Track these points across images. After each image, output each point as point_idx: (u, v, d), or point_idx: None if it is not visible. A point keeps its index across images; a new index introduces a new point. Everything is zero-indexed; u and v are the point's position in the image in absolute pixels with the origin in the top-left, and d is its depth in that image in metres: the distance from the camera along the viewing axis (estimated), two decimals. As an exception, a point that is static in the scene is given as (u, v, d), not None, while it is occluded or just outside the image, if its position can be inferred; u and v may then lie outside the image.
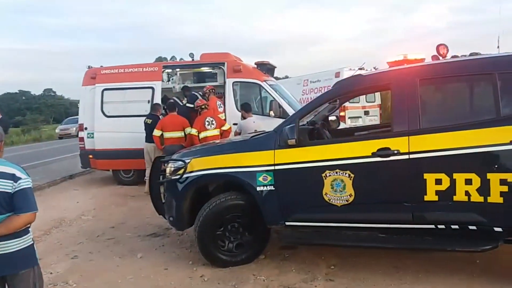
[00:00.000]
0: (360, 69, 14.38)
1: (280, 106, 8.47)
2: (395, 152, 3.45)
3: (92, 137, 9.33)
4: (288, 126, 3.74)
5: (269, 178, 3.85)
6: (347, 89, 4.07)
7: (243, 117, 7.71)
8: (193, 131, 7.54)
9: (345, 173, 3.59)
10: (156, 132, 7.91)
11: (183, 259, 4.50)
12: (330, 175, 3.64)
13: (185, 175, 4.17)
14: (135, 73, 9.21)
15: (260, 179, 3.86)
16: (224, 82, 9.02)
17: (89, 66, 9.71)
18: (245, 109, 7.67)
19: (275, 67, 10.21)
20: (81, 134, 9.60)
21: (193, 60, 9.37)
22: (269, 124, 8.02)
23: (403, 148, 3.44)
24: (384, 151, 3.49)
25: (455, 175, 3.30)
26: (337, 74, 13.85)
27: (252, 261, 4.18)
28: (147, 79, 9.06)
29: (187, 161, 4.23)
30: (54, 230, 6.06)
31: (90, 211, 7.17)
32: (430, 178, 3.37)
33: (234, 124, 8.24)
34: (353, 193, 3.59)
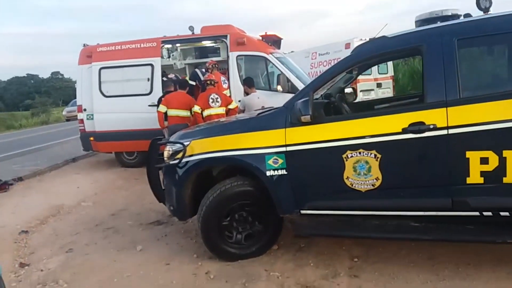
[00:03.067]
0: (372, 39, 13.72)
1: (288, 80, 7.85)
2: (431, 127, 2.89)
3: (92, 119, 8.88)
4: (301, 100, 3.19)
5: (280, 161, 3.32)
6: (369, 54, 3.44)
7: (246, 93, 7.15)
8: (196, 108, 7.02)
9: (370, 153, 3.05)
10: (161, 108, 7.42)
11: (187, 251, 4.05)
12: (352, 156, 3.10)
13: (184, 159, 3.67)
14: (133, 50, 8.64)
15: (270, 162, 3.34)
16: (228, 57, 8.41)
17: (84, 44, 9.14)
18: (248, 84, 7.09)
19: (282, 39, 9.52)
20: (80, 115, 9.15)
21: (193, 33, 8.74)
22: (277, 100, 7.38)
23: (440, 122, 2.88)
24: (417, 126, 2.93)
25: (505, 153, 2.75)
26: (347, 45, 13.13)
27: (264, 254, 3.71)
28: (146, 56, 8.49)
29: (186, 143, 3.71)
30: (51, 219, 5.67)
31: (91, 196, 6.77)
32: (473, 156, 2.82)
33: (239, 101, 7.69)
34: (380, 176, 3.06)
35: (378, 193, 3.10)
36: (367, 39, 13.54)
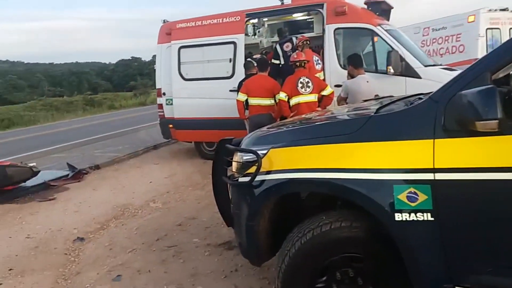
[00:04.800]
0: (503, 10, 11.01)
1: (402, 59, 6.14)
2: None
3: (171, 104, 8.12)
4: (477, 90, 1.69)
5: (423, 196, 1.88)
6: None
7: (351, 76, 5.62)
8: (282, 95, 5.72)
9: None
10: (240, 97, 6.27)
11: (262, 304, 2.84)
12: None
13: (259, 177, 2.41)
14: (214, 26, 7.58)
15: (402, 197, 1.92)
16: (323, 31, 6.92)
17: (164, 21, 8.32)
18: (355, 63, 5.54)
19: (392, 8, 7.69)
20: (159, 100, 8.46)
21: (282, 4, 7.37)
22: (387, 85, 5.86)
23: None
24: None
25: None
26: (472, 18, 10.67)
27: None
28: (228, 32, 7.38)
29: (261, 152, 2.44)
30: (112, 223, 4.90)
31: (162, 195, 5.94)
32: None
33: (337, 86, 6.20)
34: None
35: None
36: (498, 10, 10.91)
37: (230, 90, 7.19)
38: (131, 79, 69.16)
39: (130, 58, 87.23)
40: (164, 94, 8.25)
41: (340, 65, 6.74)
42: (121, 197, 5.89)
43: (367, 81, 5.14)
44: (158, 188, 6.31)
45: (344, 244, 2.19)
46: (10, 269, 3.72)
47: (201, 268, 3.49)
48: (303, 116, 3.64)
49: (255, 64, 6.64)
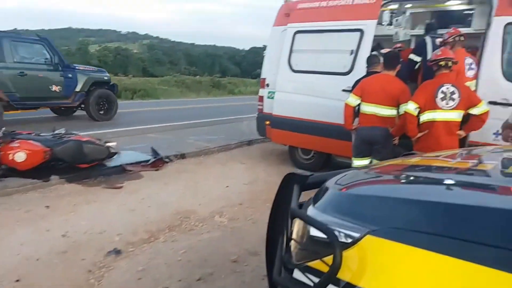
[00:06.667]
0: None
1: None
2: None
3: (272, 98, 6.99)
4: None
5: None
6: None
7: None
8: (410, 107, 4.08)
9: None
10: (351, 100, 4.76)
11: None
12: None
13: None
14: (341, 8, 6.12)
15: None
16: (488, 25, 4.97)
17: (286, 0, 7.11)
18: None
19: None
20: (261, 92, 7.41)
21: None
22: None
23: None
24: None
25: None
26: None
27: None
28: (356, 17, 5.86)
29: (347, 233, 1.07)
30: (162, 236, 3.96)
31: (233, 207, 4.86)
32: None
33: (492, 103, 4.33)
34: None
35: None
36: None
37: (343, 90, 5.73)
38: (258, 66, 70.81)
39: (262, 46, 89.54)
40: (267, 85, 7.17)
41: (504, 75, 4.76)
42: (188, 200, 4.97)
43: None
44: (232, 196, 5.24)
45: None
46: (17, 280, 2.97)
47: None
48: (442, 154, 2.08)
49: (382, 60, 5.05)
